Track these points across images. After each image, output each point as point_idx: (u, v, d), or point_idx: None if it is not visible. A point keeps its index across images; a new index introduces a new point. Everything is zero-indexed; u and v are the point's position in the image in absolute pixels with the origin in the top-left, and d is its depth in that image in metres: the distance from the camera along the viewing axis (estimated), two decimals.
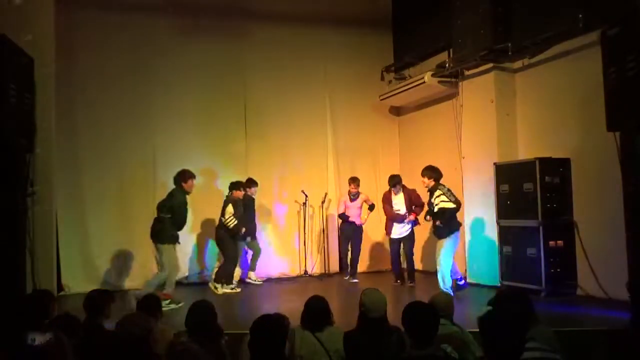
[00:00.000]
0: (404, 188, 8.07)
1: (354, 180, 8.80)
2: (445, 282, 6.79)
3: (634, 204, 5.27)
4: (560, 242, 6.90)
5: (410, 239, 8.08)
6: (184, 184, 7.03)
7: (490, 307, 3.27)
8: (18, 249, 5.70)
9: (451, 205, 6.77)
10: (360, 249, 8.87)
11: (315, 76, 9.87)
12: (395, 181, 8.06)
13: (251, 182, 8.52)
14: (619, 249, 5.65)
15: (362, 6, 9.83)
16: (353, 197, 8.78)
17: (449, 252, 6.82)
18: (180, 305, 6.33)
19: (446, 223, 6.81)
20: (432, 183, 6.96)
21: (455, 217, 6.92)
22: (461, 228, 7.09)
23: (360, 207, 8.79)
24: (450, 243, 6.82)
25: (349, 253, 9.01)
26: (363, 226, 8.83)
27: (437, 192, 6.86)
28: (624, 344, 2.76)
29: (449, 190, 6.88)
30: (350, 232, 8.83)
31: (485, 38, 7.60)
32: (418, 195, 7.93)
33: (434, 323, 3.16)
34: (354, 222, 8.75)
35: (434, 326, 3.15)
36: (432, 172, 7.01)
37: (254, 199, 8.58)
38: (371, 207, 8.82)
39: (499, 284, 7.40)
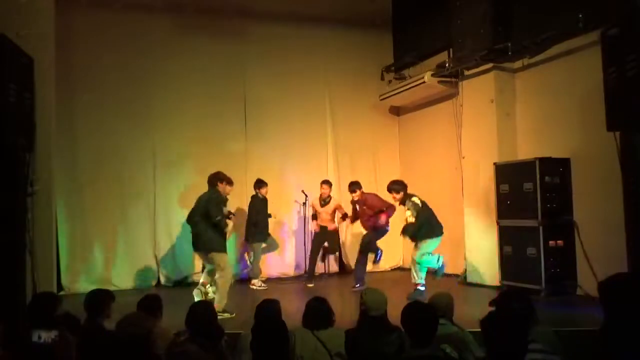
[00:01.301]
0: (362, 194, 7.93)
1: (327, 183, 8.59)
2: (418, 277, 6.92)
3: (634, 204, 5.27)
4: (560, 242, 6.90)
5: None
6: (219, 184, 6.51)
7: (492, 308, 3.27)
8: (18, 249, 5.69)
9: (412, 219, 6.91)
10: (336, 254, 8.79)
11: (315, 76, 9.88)
12: (351, 188, 7.95)
13: (261, 182, 8.52)
14: (619, 249, 5.65)
15: (362, 6, 9.82)
16: (324, 202, 8.57)
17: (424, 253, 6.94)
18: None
19: (413, 236, 6.95)
20: (401, 196, 7.08)
21: (432, 225, 6.94)
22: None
23: (333, 214, 8.63)
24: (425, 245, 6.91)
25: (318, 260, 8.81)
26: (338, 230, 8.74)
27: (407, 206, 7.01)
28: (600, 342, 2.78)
29: (414, 203, 6.93)
30: (322, 239, 8.63)
31: (485, 38, 7.60)
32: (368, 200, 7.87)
33: (433, 323, 3.16)
34: (326, 227, 8.60)
35: (433, 326, 3.15)
36: (398, 186, 7.15)
37: (265, 200, 8.57)
38: (344, 217, 8.66)
39: (499, 284, 7.40)
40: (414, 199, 7.00)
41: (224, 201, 6.55)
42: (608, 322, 2.75)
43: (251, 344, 3.30)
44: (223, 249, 6.38)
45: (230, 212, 6.79)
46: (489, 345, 2.58)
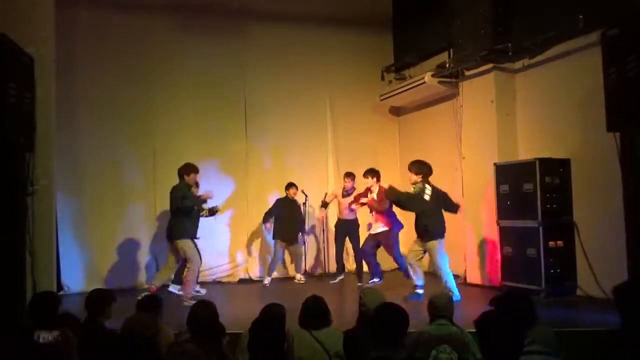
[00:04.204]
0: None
1: (349, 176, 8.63)
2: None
3: (634, 204, 5.28)
4: (560, 243, 6.90)
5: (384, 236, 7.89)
6: (186, 177, 7.20)
7: (488, 309, 3.26)
8: (18, 248, 5.69)
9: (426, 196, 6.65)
10: (359, 247, 8.56)
11: (315, 76, 9.87)
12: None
13: (290, 185, 8.63)
14: (619, 249, 5.65)
15: (362, 6, 9.83)
16: (347, 192, 8.59)
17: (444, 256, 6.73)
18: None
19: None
20: (419, 179, 6.82)
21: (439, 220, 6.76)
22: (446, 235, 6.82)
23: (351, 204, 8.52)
24: (440, 247, 6.69)
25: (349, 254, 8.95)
26: (358, 221, 8.64)
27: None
28: (616, 345, 2.77)
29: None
30: (344, 231, 8.65)
31: (485, 38, 7.60)
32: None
33: (401, 327, 3.06)
34: (346, 219, 8.58)
35: (399, 330, 3.05)
36: (421, 167, 6.92)
37: (294, 200, 8.66)
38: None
39: (499, 284, 7.40)
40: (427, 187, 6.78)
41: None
42: (626, 327, 2.73)
43: (248, 344, 3.30)
44: (185, 238, 7.04)
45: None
46: (483, 346, 2.57)
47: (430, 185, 6.83)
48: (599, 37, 5.50)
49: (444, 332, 3.60)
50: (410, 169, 6.95)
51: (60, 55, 7.31)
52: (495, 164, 7.59)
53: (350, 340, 3.53)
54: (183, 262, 7.24)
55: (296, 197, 8.77)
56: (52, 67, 6.79)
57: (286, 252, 8.99)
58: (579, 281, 6.86)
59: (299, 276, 8.76)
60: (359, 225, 8.65)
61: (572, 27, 6.55)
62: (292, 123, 9.64)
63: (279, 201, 8.70)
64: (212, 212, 7.67)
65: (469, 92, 8.21)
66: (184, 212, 7.04)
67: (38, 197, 6.21)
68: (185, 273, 7.08)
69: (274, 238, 8.66)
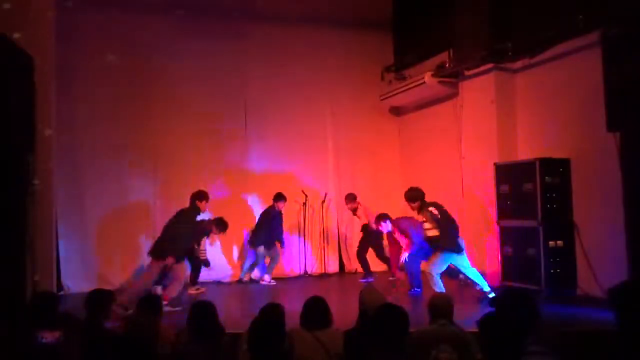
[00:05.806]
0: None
1: (347, 197, 8.88)
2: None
3: (634, 205, 5.29)
4: (560, 242, 6.89)
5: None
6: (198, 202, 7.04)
7: (492, 309, 3.25)
8: (18, 248, 5.69)
9: (434, 233, 6.57)
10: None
11: (315, 76, 9.87)
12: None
13: (279, 197, 8.64)
14: (619, 249, 5.65)
15: (362, 6, 9.83)
16: (354, 213, 8.96)
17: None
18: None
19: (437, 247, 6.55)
20: (417, 205, 6.71)
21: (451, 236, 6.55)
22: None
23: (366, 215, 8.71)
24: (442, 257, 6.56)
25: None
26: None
27: (422, 218, 6.71)
28: (615, 345, 2.77)
29: (432, 213, 6.57)
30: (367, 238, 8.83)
31: (485, 38, 7.60)
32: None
33: (401, 327, 3.05)
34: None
35: (400, 330, 3.05)
36: (415, 193, 6.76)
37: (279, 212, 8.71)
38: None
39: (499, 284, 7.40)
40: (430, 208, 6.63)
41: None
42: (621, 328, 2.73)
43: (249, 345, 3.30)
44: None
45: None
46: (486, 347, 2.57)
47: (430, 204, 6.72)
48: (599, 37, 5.50)
49: (444, 332, 3.60)
50: (406, 199, 6.82)
51: (60, 55, 7.32)
52: (495, 164, 7.58)
53: (350, 341, 3.53)
54: None
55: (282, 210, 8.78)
56: (51, 67, 6.79)
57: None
58: (579, 281, 6.85)
59: (267, 277, 8.60)
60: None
61: (572, 27, 6.54)
62: (292, 123, 9.64)
63: (264, 215, 8.73)
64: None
65: (469, 92, 8.21)
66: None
67: (38, 198, 6.22)
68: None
69: (257, 245, 8.61)
